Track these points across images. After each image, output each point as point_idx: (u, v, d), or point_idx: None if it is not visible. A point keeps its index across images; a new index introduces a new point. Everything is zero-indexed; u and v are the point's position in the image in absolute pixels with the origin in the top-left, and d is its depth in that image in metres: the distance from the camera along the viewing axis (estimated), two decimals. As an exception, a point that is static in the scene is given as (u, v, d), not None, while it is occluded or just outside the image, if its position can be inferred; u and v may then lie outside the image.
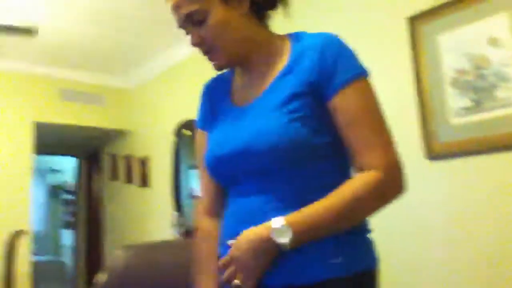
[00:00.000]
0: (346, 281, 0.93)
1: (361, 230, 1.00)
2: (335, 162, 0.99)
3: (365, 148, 0.94)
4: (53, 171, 8.09)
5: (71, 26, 3.54)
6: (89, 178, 6.29)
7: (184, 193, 4.00)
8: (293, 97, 0.96)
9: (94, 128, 4.71)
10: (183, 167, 4.04)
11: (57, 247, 8.08)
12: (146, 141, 4.55)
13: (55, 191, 8.29)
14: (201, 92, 1.19)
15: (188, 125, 3.93)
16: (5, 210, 3.91)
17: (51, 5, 3.22)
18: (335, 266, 0.92)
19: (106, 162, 5.45)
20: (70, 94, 4.48)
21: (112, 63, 4.40)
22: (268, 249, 0.90)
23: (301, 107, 0.95)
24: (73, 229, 7.91)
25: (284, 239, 0.89)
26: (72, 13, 3.36)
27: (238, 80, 1.11)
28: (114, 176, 5.16)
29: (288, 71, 0.99)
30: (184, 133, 4.01)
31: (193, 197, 3.88)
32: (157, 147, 4.34)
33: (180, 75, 4.09)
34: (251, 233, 0.91)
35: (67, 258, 7.11)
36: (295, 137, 0.93)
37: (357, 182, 0.93)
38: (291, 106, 0.95)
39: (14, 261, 3.34)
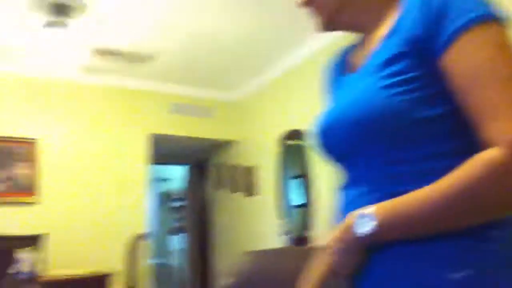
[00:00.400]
0: None
1: (498, 229, 0.71)
2: (452, 140, 0.75)
3: (489, 117, 0.68)
4: (162, 179, 8.60)
5: (181, 47, 3.78)
6: (198, 185, 6.61)
7: (289, 202, 4.05)
8: (393, 58, 0.77)
9: (203, 139, 4.95)
10: (288, 176, 4.09)
11: (165, 251, 8.56)
12: (252, 151, 4.68)
13: (163, 199, 8.80)
14: (323, 74, 1.11)
15: (293, 134, 3.98)
16: (125, 216, 4.26)
17: (162, 28, 3.46)
18: (454, 285, 0.67)
19: (212, 172, 5.69)
20: (181, 107, 4.76)
21: (220, 78, 4.60)
22: (349, 241, 0.75)
23: (402, 70, 0.75)
24: (180, 234, 8.35)
25: (366, 229, 0.72)
26: (181, 35, 3.59)
27: (355, 49, 0.99)
28: (220, 184, 5.37)
29: (393, 31, 0.81)
30: (289, 143, 4.07)
31: (297, 206, 3.91)
32: (263, 156, 4.45)
33: (286, 86, 4.16)
34: (341, 223, 0.78)
35: (175, 262, 7.51)
36: (391, 107, 0.74)
37: (472, 165, 0.68)
38: (389, 70, 0.76)
39: (136, 263, 3.62)
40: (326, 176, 3.39)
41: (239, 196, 4.85)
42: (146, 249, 4.22)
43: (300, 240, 3.73)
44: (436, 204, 0.69)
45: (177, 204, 8.68)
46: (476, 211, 0.69)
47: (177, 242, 8.30)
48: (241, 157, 4.88)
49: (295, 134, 3.92)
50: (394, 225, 0.72)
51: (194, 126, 4.82)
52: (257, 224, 4.51)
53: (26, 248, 3.29)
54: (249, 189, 4.60)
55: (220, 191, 5.43)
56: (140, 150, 4.51)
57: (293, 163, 4.00)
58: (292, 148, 4.02)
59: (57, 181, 4.08)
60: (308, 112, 3.44)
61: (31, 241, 2.79)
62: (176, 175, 8.44)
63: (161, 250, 8.28)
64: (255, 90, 4.66)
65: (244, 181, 4.71)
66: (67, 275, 3.42)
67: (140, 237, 3.65)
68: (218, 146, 5.30)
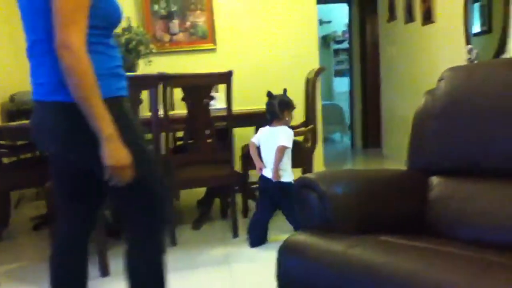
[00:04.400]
0: None
1: None
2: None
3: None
4: (323, 22, 8.44)
5: None
6: (362, 24, 6.33)
7: (475, 23, 3.62)
8: None
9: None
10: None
11: (330, 93, 8.78)
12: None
13: (325, 42, 8.73)
14: None
15: None
16: (299, 54, 4.39)
17: None
18: None
19: (383, 3, 5.33)
20: None
21: None
22: None
23: None
24: (345, 76, 8.38)
25: None
26: None
27: None
28: (392, 16, 5.04)
29: None
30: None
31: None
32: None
33: None
34: None
35: (341, 103, 7.66)
36: None
37: None
38: None
39: (313, 101, 3.74)
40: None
41: (413, 26, 4.53)
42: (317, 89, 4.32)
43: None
44: None
45: (340, 46, 8.60)
46: None
47: (342, 84, 8.40)
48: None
49: None
50: None
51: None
52: (432, 55, 4.21)
53: (219, 86, 3.61)
54: (427, 16, 4.21)
55: (390, 24, 5.12)
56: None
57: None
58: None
59: (231, 29, 4.29)
60: None
61: (225, 77, 3.02)
62: (337, 16, 8.18)
63: (326, 92, 8.50)
64: None
65: (420, 8, 4.31)
66: (251, 109, 3.70)
67: (317, 74, 3.69)
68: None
